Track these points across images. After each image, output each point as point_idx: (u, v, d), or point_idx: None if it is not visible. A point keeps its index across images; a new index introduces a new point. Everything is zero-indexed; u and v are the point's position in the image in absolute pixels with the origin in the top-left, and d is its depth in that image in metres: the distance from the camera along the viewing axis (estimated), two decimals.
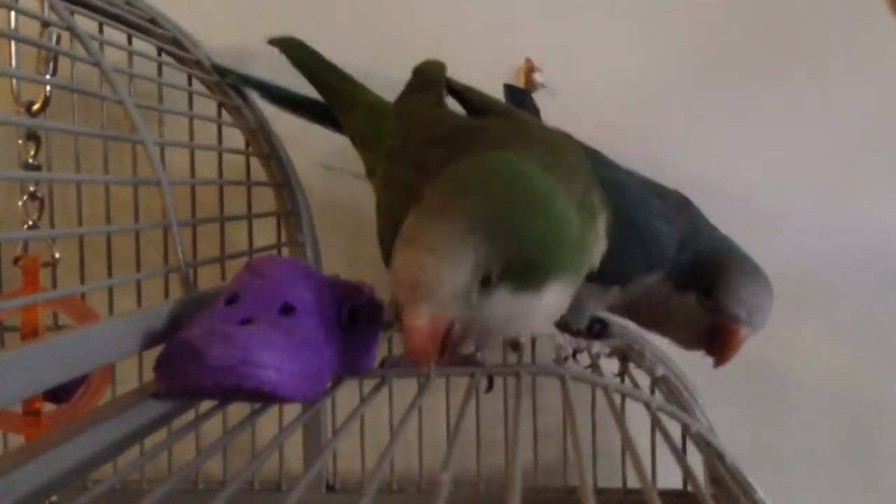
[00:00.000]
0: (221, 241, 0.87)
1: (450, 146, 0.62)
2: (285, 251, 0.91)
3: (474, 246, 0.48)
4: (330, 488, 0.96)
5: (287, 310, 0.55)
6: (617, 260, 0.66)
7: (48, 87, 0.75)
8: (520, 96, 0.89)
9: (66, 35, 0.66)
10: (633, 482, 0.90)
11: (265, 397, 0.53)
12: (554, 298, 0.54)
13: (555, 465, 0.96)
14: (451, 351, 0.52)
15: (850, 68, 0.98)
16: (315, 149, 0.96)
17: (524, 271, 0.51)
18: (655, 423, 0.57)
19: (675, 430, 0.57)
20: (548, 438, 0.96)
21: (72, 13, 0.63)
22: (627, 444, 0.49)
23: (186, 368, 0.50)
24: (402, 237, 0.51)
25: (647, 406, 0.60)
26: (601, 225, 0.63)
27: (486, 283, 0.50)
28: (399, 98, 0.76)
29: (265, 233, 0.91)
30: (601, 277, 0.66)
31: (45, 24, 0.70)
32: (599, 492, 0.90)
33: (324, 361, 0.56)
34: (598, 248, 0.63)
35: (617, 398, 0.66)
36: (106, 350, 0.53)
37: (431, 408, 0.93)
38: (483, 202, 0.50)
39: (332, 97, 0.84)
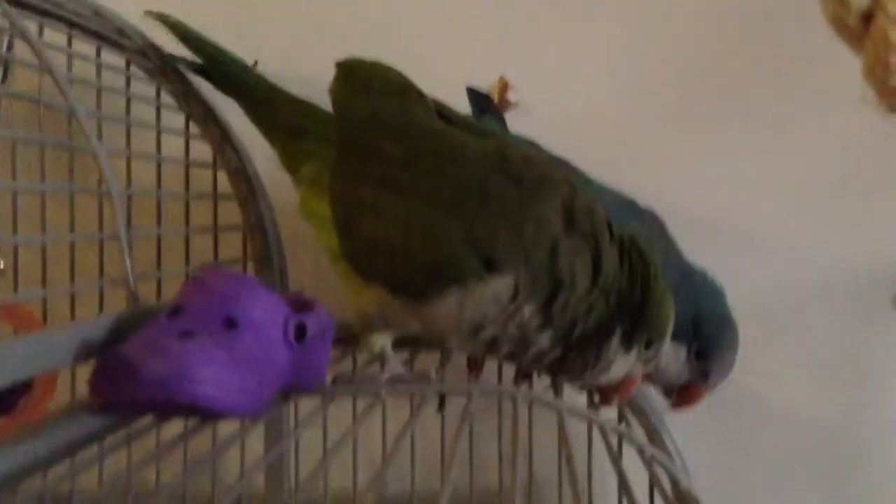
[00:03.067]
0: (186, 254, 0.86)
1: (513, 180, 0.65)
2: (251, 266, 0.90)
3: None
4: None
5: (230, 324, 0.55)
6: None
7: None
8: (483, 102, 0.88)
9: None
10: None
11: (201, 412, 0.52)
12: None
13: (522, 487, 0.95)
14: None
15: (831, 95, 0.97)
16: None
17: None
18: (605, 442, 0.57)
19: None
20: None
21: (19, 17, 0.62)
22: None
23: (120, 382, 0.49)
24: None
25: (601, 427, 0.59)
26: None
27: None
28: (351, 96, 0.74)
29: (232, 247, 0.90)
30: None
31: None
32: None
33: (266, 377, 0.55)
34: None
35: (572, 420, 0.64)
36: (48, 358, 0.52)
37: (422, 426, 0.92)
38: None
39: (230, 79, 0.81)
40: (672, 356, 0.74)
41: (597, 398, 0.76)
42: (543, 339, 0.64)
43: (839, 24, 0.44)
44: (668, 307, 0.67)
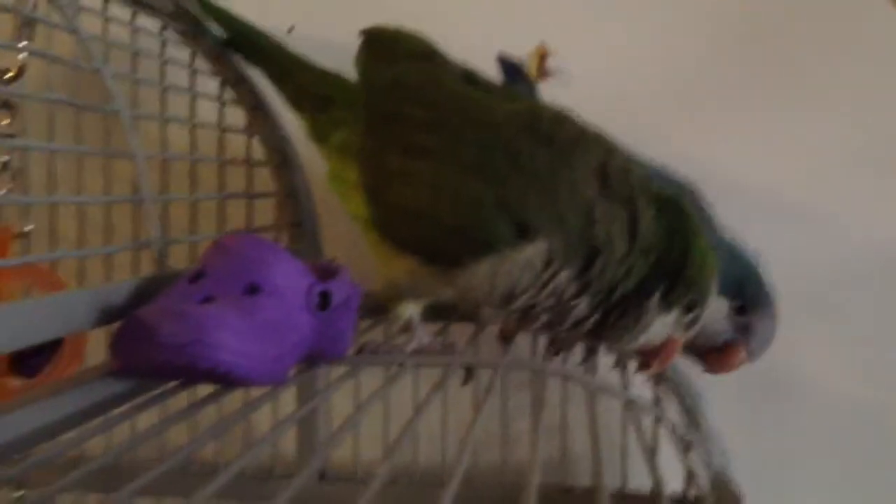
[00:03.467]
0: (220, 220, 0.85)
1: (547, 143, 0.63)
2: (284, 233, 0.90)
3: None
4: (322, 477, 0.94)
5: (252, 290, 0.54)
6: None
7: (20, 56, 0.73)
8: (514, 71, 0.86)
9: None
10: (634, 483, 0.87)
11: (221, 379, 0.51)
12: None
13: (554, 462, 0.93)
14: None
15: (869, 67, 0.93)
16: None
17: None
18: (630, 422, 0.55)
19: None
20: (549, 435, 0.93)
21: None
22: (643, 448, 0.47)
23: (139, 346, 0.49)
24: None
25: (630, 403, 0.57)
26: None
27: None
28: (377, 63, 0.73)
29: (266, 214, 0.89)
30: None
31: None
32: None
33: (287, 346, 0.54)
34: None
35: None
36: (71, 319, 0.52)
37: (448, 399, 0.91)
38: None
39: (256, 51, 0.81)
40: (714, 311, 0.71)
41: (634, 367, 0.74)
42: (582, 306, 0.63)
43: None
44: (709, 266, 0.66)
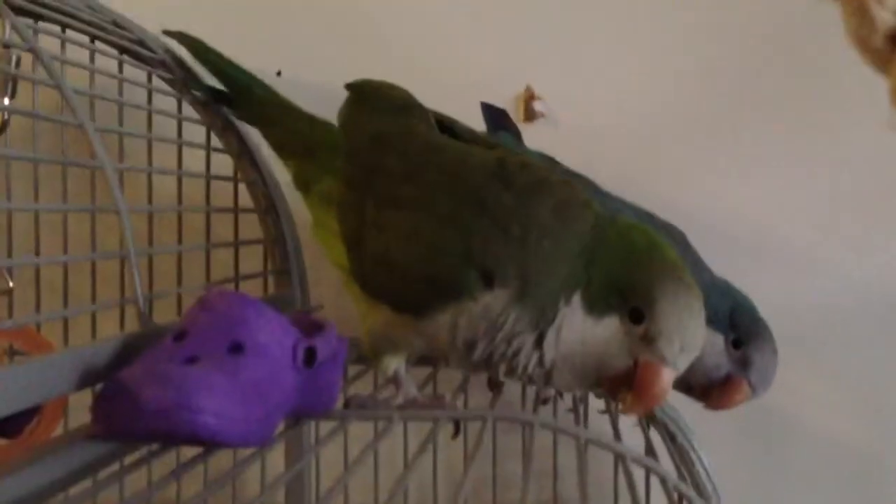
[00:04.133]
0: (207, 268, 0.85)
1: (509, 186, 0.62)
2: (271, 279, 0.89)
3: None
4: None
5: (236, 348, 0.53)
6: None
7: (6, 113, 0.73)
8: (498, 117, 0.86)
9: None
10: None
11: (205, 442, 0.50)
12: None
13: None
14: None
15: (868, 105, 0.93)
16: None
17: None
18: (626, 473, 0.54)
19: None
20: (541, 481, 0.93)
21: (35, 33, 0.61)
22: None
23: (120, 411, 0.48)
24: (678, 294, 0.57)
25: (621, 457, 0.56)
26: None
27: None
28: (357, 116, 0.74)
29: (253, 261, 0.89)
30: None
31: (6, 46, 0.69)
32: None
33: (273, 404, 0.53)
34: None
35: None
36: (53, 383, 0.51)
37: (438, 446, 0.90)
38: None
39: (246, 97, 0.81)
40: (707, 344, 0.67)
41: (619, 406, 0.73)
42: (526, 346, 0.60)
43: (864, 46, 0.41)
44: (654, 265, 0.59)
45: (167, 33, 0.83)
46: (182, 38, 0.82)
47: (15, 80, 0.72)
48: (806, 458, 0.96)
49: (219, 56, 0.82)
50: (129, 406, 0.47)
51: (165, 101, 0.83)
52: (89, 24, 0.73)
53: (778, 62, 0.94)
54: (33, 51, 0.58)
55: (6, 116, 0.75)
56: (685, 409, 0.87)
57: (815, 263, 0.94)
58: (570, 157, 0.84)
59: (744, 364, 0.73)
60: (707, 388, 0.74)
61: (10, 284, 0.77)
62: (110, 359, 0.55)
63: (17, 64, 0.71)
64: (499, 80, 0.95)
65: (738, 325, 0.73)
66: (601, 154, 0.88)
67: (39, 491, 0.48)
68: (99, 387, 0.51)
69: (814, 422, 0.95)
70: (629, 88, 0.95)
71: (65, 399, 0.71)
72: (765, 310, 0.76)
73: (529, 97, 0.95)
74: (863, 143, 0.92)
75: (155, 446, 0.55)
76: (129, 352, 0.56)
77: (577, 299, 0.58)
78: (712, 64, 0.94)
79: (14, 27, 0.58)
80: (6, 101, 0.72)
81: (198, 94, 0.81)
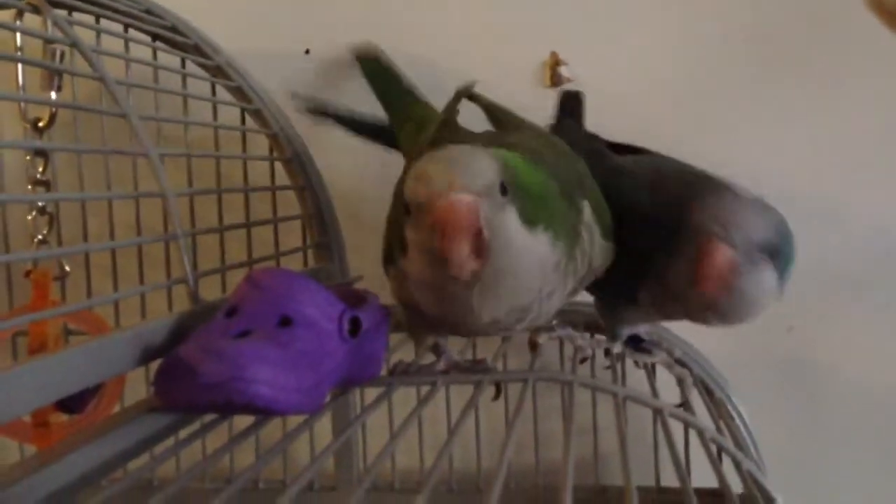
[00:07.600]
0: (248, 246, 0.87)
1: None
2: (311, 254, 0.91)
3: (491, 156, 0.53)
4: None
5: (285, 322, 0.55)
6: None
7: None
8: (570, 104, 0.88)
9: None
10: (666, 480, 0.89)
11: (260, 411, 0.53)
12: (542, 248, 0.55)
13: (587, 463, 0.94)
14: (483, 251, 0.50)
15: (876, 64, 0.93)
16: (340, 150, 0.96)
17: (524, 203, 0.53)
18: (664, 427, 0.56)
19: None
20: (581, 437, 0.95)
21: (71, 24, 0.63)
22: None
23: (180, 385, 0.51)
24: (421, 164, 0.53)
25: (658, 412, 0.58)
26: (591, 221, 0.62)
27: (503, 192, 0.52)
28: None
29: (293, 237, 0.91)
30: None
31: (49, 42, 0.71)
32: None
33: (322, 374, 0.55)
34: (595, 246, 0.63)
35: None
36: (112, 363, 0.54)
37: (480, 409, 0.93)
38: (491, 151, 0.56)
39: (392, 111, 0.85)
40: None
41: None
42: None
43: (880, 9, 0.42)
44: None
45: (355, 50, 0.92)
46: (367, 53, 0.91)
47: (60, 75, 0.74)
48: (845, 410, 0.96)
49: (390, 72, 0.89)
50: (189, 380, 0.50)
51: (199, 85, 0.86)
52: (123, 13, 0.76)
53: (799, 25, 0.93)
54: (76, 45, 0.61)
55: (53, 111, 0.77)
56: (722, 363, 0.89)
57: (852, 211, 0.94)
58: (594, 122, 0.86)
59: (701, 226, 0.62)
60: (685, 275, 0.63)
61: (67, 268, 0.80)
62: (165, 337, 0.58)
63: (62, 59, 0.74)
64: (525, 46, 0.96)
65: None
66: (626, 117, 0.89)
67: (103, 465, 0.51)
68: (156, 363, 0.54)
69: (853, 373, 0.96)
70: (653, 53, 0.96)
71: (124, 376, 0.74)
72: (800, 258, 0.76)
73: (555, 62, 0.96)
74: (883, 92, 0.93)
75: (209, 419, 0.58)
76: (182, 329, 0.59)
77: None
78: (735, 26, 0.94)
79: (56, 23, 0.61)
80: (53, 95, 0.75)
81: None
